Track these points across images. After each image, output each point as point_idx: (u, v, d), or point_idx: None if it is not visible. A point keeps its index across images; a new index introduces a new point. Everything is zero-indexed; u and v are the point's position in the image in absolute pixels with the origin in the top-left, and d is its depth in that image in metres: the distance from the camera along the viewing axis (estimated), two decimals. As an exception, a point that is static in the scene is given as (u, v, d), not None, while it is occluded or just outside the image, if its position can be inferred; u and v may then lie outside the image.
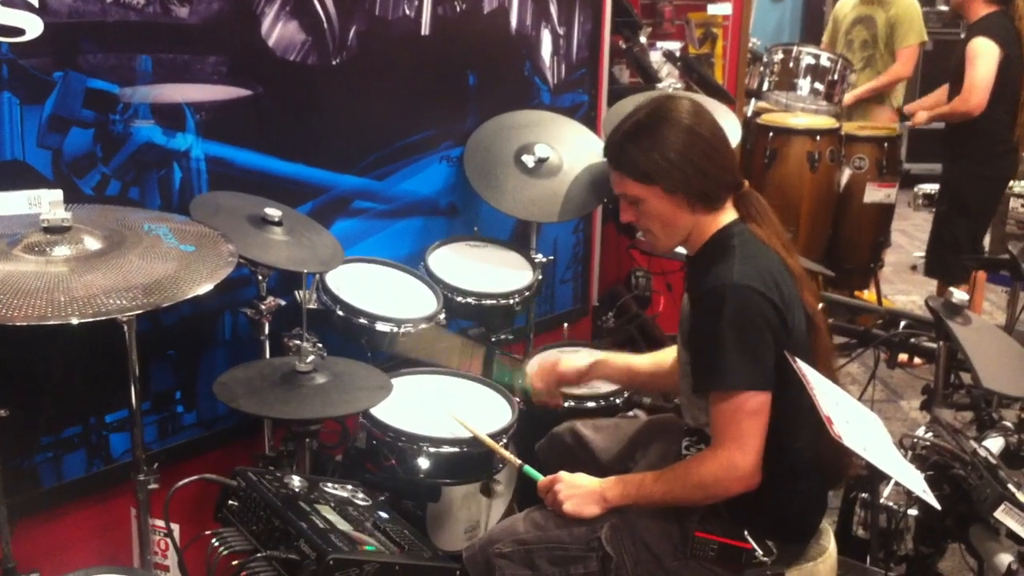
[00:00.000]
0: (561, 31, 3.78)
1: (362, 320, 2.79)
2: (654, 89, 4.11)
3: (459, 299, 3.09)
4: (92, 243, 2.11)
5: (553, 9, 3.74)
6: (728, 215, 2.26)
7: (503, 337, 3.31)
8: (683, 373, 2.32)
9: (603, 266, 4.32)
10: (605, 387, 3.06)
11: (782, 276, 2.18)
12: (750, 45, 5.42)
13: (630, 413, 3.07)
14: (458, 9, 3.35)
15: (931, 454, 2.21)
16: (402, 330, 2.82)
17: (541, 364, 2.78)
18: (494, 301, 3.14)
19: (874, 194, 5.14)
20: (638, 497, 2.23)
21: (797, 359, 2.05)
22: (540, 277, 3.35)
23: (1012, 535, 2.03)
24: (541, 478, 2.35)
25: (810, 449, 2.22)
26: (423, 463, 2.58)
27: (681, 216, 2.23)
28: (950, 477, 2.12)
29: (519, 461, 2.47)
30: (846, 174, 5.19)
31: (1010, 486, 2.01)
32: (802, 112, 5.30)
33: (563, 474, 2.31)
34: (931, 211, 5.82)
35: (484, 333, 3.28)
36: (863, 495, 2.80)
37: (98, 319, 1.91)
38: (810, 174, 5.01)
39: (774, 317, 2.11)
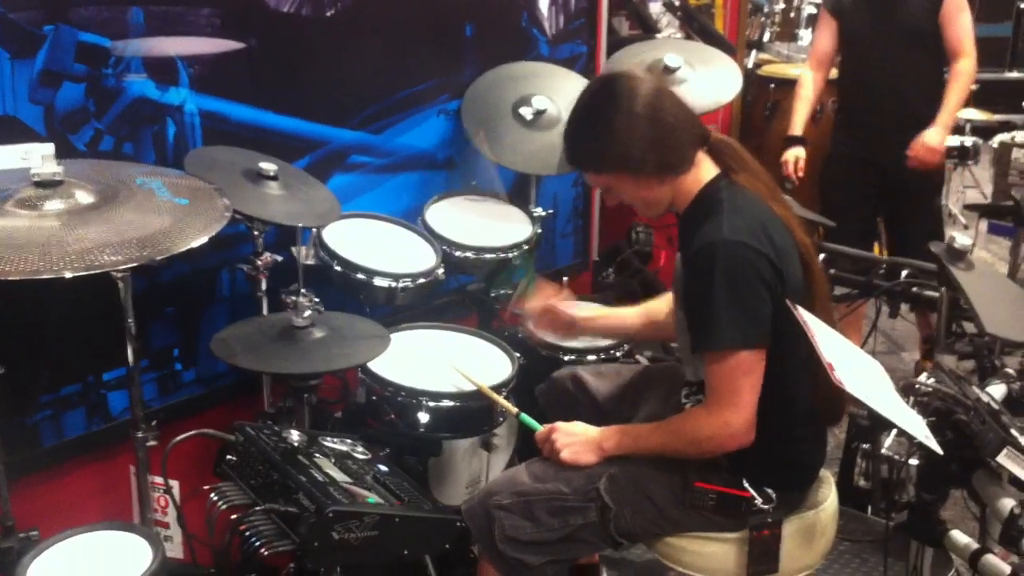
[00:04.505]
0: (559, -20, 3.74)
1: (360, 275, 2.78)
2: (653, 39, 4.07)
3: (458, 253, 3.07)
4: (84, 197, 2.09)
5: (550, -42, 3.70)
6: (707, 168, 2.21)
7: (502, 292, 3.30)
8: (680, 330, 2.30)
9: (603, 220, 4.30)
10: (605, 340, 3.05)
11: (773, 224, 2.15)
12: (751, -5, 5.36)
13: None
14: (454, -42, 3.31)
15: (933, 400, 2.18)
16: (400, 285, 2.80)
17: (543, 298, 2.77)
18: (493, 255, 3.12)
19: (876, 145, 5.09)
20: (634, 448, 2.24)
21: (798, 307, 2.03)
22: (539, 231, 3.33)
23: (1015, 480, 2.02)
24: (539, 427, 2.35)
25: (808, 397, 2.21)
26: (423, 417, 2.57)
27: (655, 189, 2.20)
28: (952, 423, 2.10)
29: (516, 410, 2.47)
30: (847, 126, 5.14)
31: (1013, 431, 1.99)
32: (804, 63, 5.25)
33: (560, 423, 2.31)
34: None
35: (483, 288, 3.27)
36: (864, 446, 2.80)
37: (91, 273, 1.89)
38: (811, 126, 4.96)
39: (768, 270, 2.08)
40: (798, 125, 4.36)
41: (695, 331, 2.16)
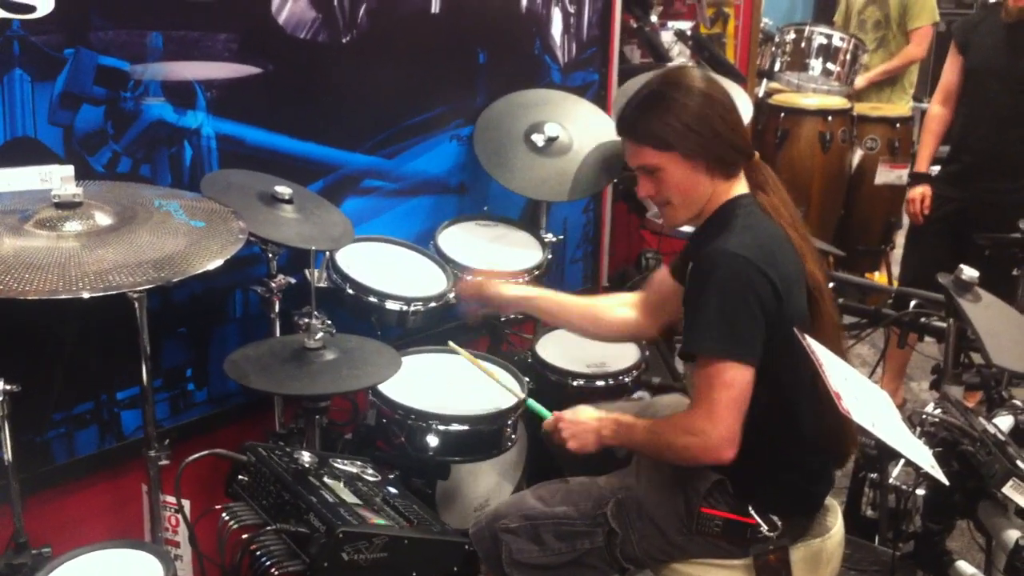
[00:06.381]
0: (572, 9, 3.77)
1: (372, 298, 2.80)
2: (665, 68, 4.09)
3: (469, 278, 3.09)
4: (103, 218, 2.12)
5: (564, -13, 3.74)
6: (740, 186, 2.24)
7: (512, 316, 3.32)
8: None
9: (613, 246, 4.32)
10: (614, 365, 3.07)
11: (782, 249, 2.16)
12: (762, 25, 5.40)
13: (635, 395, 3.08)
14: (468, -14, 3.35)
15: (940, 430, 2.20)
16: (412, 308, 2.82)
17: (474, 278, 2.81)
18: (504, 280, 3.13)
19: (886, 175, 5.12)
20: (626, 440, 2.26)
21: (806, 336, 2.04)
22: (550, 256, 3.35)
23: (1020, 511, 2.03)
24: (547, 413, 2.38)
25: (814, 425, 2.20)
26: (432, 441, 2.59)
27: (700, 183, 2.20)
28: (959, 453, 2.12)
29: (523, 395, 2.49)
30: (858, 155, 5.17)
31: (1019, 462, 2.00)
32: (814, 92, 5.29)
33: (566, 412, 2.32)
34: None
35: (494, 313, 3.28)
36: (872, 475, 2.81)
37: (109, 293, 1.92)
38: (821, 155, 5.00)
39: (766, 290, 2.08)
40: (924, 161, 4.34)
41: (685, 334, 2.16)
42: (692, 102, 2.17)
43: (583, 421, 2.30)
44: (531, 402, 2.46)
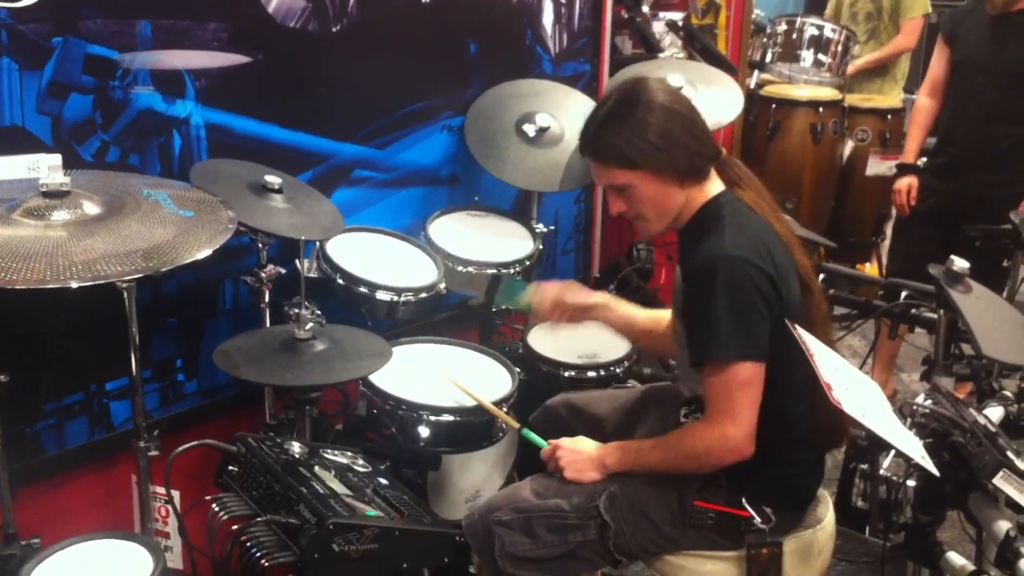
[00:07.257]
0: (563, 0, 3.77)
1: (362, 289, 2.79)
2: (656, 59, 4.09)
3: (460, 268, 3.09)
4: (91, 208, 2.11)
5: (555, -22, 3.73)
6: (714, 185, 2.24)
7: (503, 307, 3.31)
8: (679, 344, 2.31)
9: (605, 237, 4.32)
10: (606, 356, 3.06)
11: (773, 242, 2.17)
12: (753, 16, 5.39)
13: (627, 384, 3.07)
14: (459, -23, 3.33)
15: (930, 421, 2.20)
16: (402, 299, 2.82)
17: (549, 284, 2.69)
18: (495, 270, 3.13)
19: (877, 167, 5.12)
20: (635, 464, 2.24)
21: (797, 327, 2.04)
22: (541, 247, 3.34)
23: (1011, 502, 2.03)
24: (543, 443, 2.36)
25: (807, 419, 2.22)
26: (423, 431, 2.58)
27: (672, 195, 2.20)
28: (949, 444, 2.11)
29: (518, 425, 2.48)
30: (849, 146, 5.18)
31: (1009, 453, 2.00)
32: (805, 84, 5.28)
33: (564, 440, 2.32)
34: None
35: (484, 303, 3.28)
36: (862, 466, 2.81)
37: (97, 283, 1.91)
38: (813, 146, 5.00)
39: (767, 287, 2.09)
40: (911, 153, 4.34)
41: (694, 343, 2.17)
42: (656, 117, 2.15)
43: (582, 451, 2.30)
44: (527, 432, 2.45)
